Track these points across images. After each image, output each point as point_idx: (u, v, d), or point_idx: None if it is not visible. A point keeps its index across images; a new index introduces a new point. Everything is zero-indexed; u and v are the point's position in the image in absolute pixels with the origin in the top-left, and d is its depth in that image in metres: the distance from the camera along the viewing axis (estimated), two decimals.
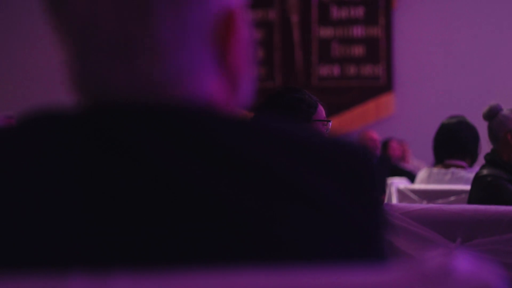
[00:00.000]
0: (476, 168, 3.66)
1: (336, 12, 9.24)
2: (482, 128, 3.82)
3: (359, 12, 9.18)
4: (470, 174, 3.81)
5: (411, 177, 5.74)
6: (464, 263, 0.71)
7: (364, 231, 0.83)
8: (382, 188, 0.88)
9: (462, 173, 4.05)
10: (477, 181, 3.37)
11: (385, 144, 7.43)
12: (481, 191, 3.32)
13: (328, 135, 0.87)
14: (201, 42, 0.85)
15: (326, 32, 9.25)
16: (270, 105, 2.54)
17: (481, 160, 3.86)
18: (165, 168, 0.78)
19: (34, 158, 0.79)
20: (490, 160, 3.45)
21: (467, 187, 3.61)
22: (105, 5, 0.83)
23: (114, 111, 0.82)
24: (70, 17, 0.85)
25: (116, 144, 0.79)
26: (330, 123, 2.63)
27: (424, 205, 3.21)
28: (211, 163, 0.79)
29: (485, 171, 3.36)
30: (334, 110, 8.52)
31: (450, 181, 4.07)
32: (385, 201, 4.14)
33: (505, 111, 3.55)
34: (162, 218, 0.77)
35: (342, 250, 0.81)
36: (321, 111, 2.61)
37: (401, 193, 4.10)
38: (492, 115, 3.58)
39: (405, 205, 2.86)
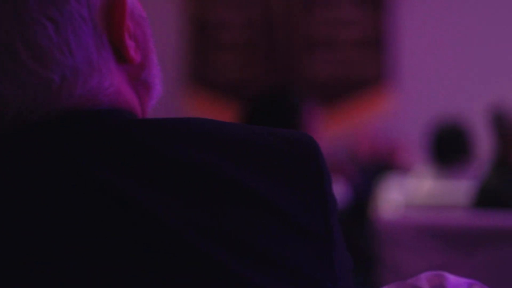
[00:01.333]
0: (480, 172, 3.54)
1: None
2: (482, 124, 3.64)
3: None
4: (473, 181, 3.66)
5: (403, 172, 5.58)
6: (456, 283, 0.70)
7: (314, 232, 0.78)
8: (331, 180, 0.83)
9: (463, 178, 3.89)
10: (481, 192, 3.19)
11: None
12: (483, 204, 3.15)
13: (268, 128, 0.83)
14: (90, 38, 0.83)
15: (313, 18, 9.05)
16: (261, 111, 2.53)
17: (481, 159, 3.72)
18: (82, 174, 0.76)
19: None
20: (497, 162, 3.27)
21: (470, 196, 3.42)
22: None
23: (23, 126, 0.81)
24: None
25: (29, 158, 0.78)
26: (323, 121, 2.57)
27: (426, 216, 3.07)
28: (128, 166, 0.77)
29: (490, 179, 3.19)
30: (325, 103, 8.33)
31: (453, 190, 3.90)
32: (379, 210, 4.10)
33: None
34: (90, 226, 0.75)
35: (292, 253, 0.77)
36: (313, 110, 2.58)
37: (402, 204, 3.97)
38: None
39: (406, 217, 2.77)
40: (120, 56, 0.86)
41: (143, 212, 0.75)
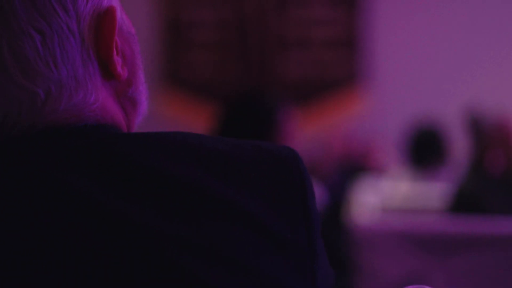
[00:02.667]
0: (456, 175, 3.51)
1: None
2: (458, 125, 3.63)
3: None
4: (450, 184, 3.63)
5: (377, 174, 5.55)
6: None
7: (297, 247, 0.79)
8: (314, 193, 0.83)
9: (439, 179, 3.87)
10: (459, 196, 3.16)
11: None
12: (461, 208, 3.12)
13: (251, 142, 0.83)
14: (77, 52, 0.82)
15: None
16: (236, 115, 2.52)
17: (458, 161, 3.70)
18: (68, 189, 0.76)
19: None
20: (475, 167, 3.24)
21: (447, 200, 3.39)
22: None
23: (7, 139, 0.80)
24: None
25: (14, 170, 0.77)
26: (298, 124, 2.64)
27: (403, 222, 3.05)
28: (114, 180, 0.77)
29: (467, 184, 3.16)
30: (299, 103, 8.31)
31: (429, 193, 3.87)
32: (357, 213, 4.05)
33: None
34: (68, 238, 0.74)
35: (274, 268, 0.77)
36: (289, 113, 2.57)
37: (378, 207, 3.94)
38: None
39: (382, 222, 2.71)
40: (107, 71, 0.86)
41: (126, 224, 0.75)
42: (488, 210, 3.06)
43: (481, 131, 3.29)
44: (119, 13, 0.88)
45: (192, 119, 8.52)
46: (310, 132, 7.97)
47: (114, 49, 0.86)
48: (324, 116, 8.65)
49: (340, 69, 8.81)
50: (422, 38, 8.54)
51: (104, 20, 0.85)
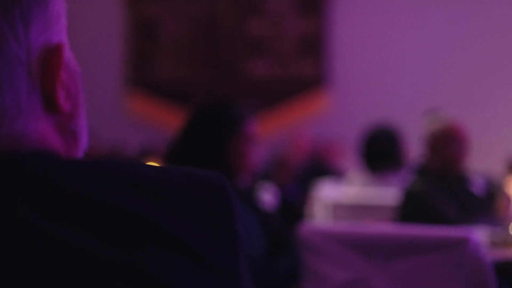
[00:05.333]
0: (406, 177, 3.54)
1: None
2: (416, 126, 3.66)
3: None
4: (400, 187, 3.65)
5: (340, 176, 5.58)
6: None
7: (224, 269, 0.83)
8: (240, 217, 0.87)
9: (393, 184, 3.89)
10: (406, 196, 3.19)
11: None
12: (409, 207, 3.15)
13: (182, 169, 0.86)
14: (24, 81, 0.84)
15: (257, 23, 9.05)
16: (197, 126, 2.55)
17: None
18: (8, 216, 0.77)
19: None
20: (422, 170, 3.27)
21: (396, 202, 3.42)
22: None
23: None
24: None
25: None
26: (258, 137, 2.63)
27: (346, 225, 3.06)
28: (50, 207, 0.78)
29: (415, 185, 3.19)
30: (264, 105, 8.36)
31: (382, 196, 3.89)
32: (312, 212, 4.05)
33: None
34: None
35: None
36: (249, 125, 2.59)
37: (331, 207, 3.94)
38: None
39: (327, 226, 2.68)
40: (51, 104, 0.88)
41: (63, 248, 0.77)
42: (436, 208, 3.09)
43: (429, 133, 3.32)
44: (67, 50, 0.90)
45: (160, 119, 8.52)
46: (274, 133, 8.00)
47: (59, 83, 0.88)
48: (287, 117, 8.69)
49: (304, 71, 8.85)
50: (384, 41, 8.59)
51: (52, 54, 0.87)
